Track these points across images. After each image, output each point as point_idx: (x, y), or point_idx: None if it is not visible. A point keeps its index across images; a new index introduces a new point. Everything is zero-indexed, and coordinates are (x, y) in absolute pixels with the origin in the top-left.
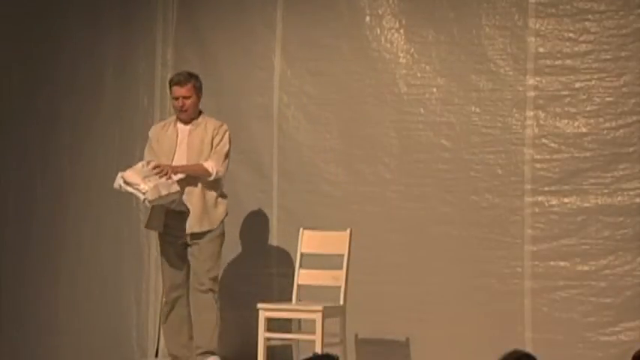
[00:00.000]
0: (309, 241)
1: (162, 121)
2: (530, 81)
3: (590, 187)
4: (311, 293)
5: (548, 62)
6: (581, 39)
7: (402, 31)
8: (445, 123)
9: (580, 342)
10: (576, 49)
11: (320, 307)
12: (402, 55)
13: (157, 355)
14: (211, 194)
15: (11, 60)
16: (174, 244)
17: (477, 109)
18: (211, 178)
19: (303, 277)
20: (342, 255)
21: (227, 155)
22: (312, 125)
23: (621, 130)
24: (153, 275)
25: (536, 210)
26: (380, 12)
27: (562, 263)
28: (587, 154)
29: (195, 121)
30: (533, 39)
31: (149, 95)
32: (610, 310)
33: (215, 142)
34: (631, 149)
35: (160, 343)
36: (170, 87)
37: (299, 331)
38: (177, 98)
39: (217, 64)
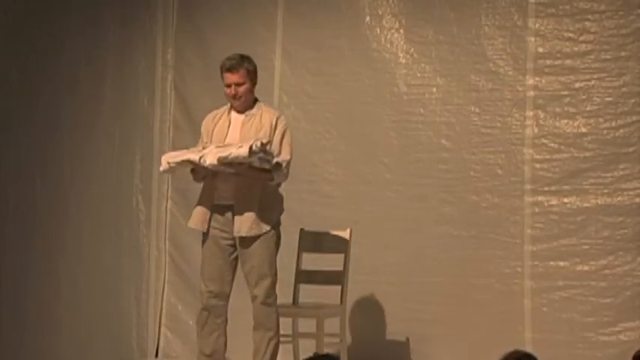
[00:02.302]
0: (309, 241)
1: (214, 111)
2: (530, 81)
3: (590, 187)
4: (311, 293)
5: (548, 62)
6: (581, 39)
7: (401, 31)
8: (445, 123)
9: (580, 342)
10: (576, 49)
11: (320, 307)
12: (401, 55)
13: (157, 355)
14: (267, 192)
15: (11, 60)
16: (219, 244)
17: (477, 109)
18: (274, 181)
19: (302, 277)
20: (342, 255)
21: (291, 156)
22: (312, 125)
23: (621, 130)
24: (153, 275)
25: (536, 210)
26: (380, 12)
27: (562, 263)
28: (587, 154)
29: (249, 112)
30: (533, 39)
31: (149, 95)
32: (610, 310)
33: (275, 140)
34: (631, 149)
35: (160, 343)
36: (221, 73)
37: (299, 331)
38: (229, 85)
39: (218, 64)
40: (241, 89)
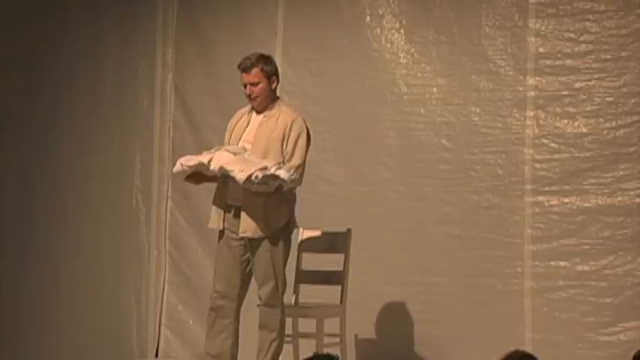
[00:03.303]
0: (309, 241)
1: (241, 109)
2: (531, 81)
3: (590, 187)
4: (311, 293)
5: (549, 62)
6: (581, 39)
7: (402, 31)
8: (445, 123)
9: (580, 342)
10: (576, 49)
11: (320, 307)
12: (402, 55)
13: (156, 355)
14: (275, 195)
15: (11, 60)
16: (230, 245)
17: (477, 109)
18: (284, 189)
19: (302, 277)
20: (342, 255)
21: (303, 161)
22: (312, 125)
23: (621, 130)
24: (153, 275)
25: (537, 210)
26: (380, 12)
27: (562, 263)
28: (587, 154)
29: (268, 112)
30: (533, 39)
31: (149, 95)
32: (610, 310)
33: (289, 145)
34: (631, 149)
35: (160, 343)
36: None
37: (299, 331)
38: (245, 85)
39: (218, 64)
40: (256, 89)
